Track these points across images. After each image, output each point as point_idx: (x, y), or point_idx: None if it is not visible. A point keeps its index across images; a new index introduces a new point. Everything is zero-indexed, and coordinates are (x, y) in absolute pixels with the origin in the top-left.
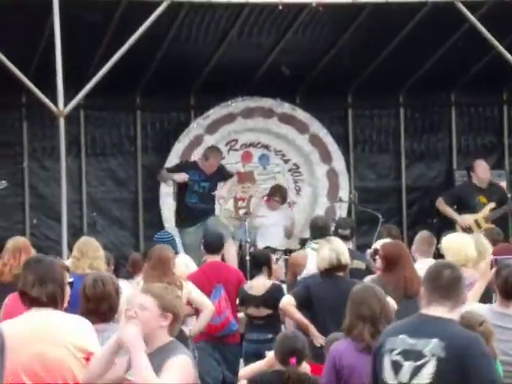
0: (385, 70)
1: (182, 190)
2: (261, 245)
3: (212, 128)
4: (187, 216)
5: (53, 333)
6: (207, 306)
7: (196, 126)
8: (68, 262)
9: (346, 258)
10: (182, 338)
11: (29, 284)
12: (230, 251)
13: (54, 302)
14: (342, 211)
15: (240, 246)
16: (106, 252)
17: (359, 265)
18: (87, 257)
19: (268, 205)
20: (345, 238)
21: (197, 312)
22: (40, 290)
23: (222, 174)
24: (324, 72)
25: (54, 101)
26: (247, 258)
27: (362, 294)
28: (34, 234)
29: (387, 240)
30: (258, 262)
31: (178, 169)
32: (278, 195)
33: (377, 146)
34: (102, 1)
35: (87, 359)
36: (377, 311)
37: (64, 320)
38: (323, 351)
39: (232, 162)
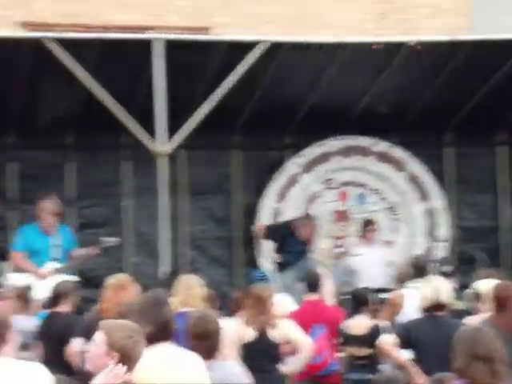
0: (483, 107)
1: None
2: (359, 284)
3: (308, 167)
4: (284, 263)
5: (186, 367)
6: (306, 345)
7: (292, 165)
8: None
9: (447, 296)
10: (278, 377)
11: (172, 318)
12: (328, 290)
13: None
14: (440, 251)
15: (337, 286)
16: (211, 289)
17: (460, 305)
18: (189, 294)
19: (364, 240)
20: (447, 276)
21: (295, 351)
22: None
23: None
24: (421, 110)
25: (154, 140)
26: (346, 297)
27: (475, 334)
28: (133, 271)
29: (487, 280)
30: (359, 302)
31: (273, 232)
32: (370, 225)
33: (476, 184)
34: (203, 41)
35: None
36: (493, 351)
37: (190, 355)
38: None
39: (328, 200)
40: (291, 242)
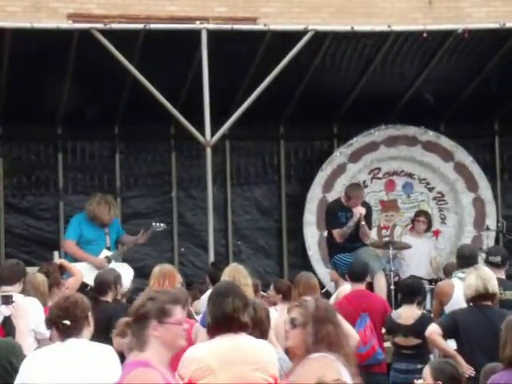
0: None
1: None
2: (405, 274)
3: (355, 156)
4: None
5: (253, 357)
6: (352, 335)
7: (339, 155)
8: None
9: (493, 286)
10: None
11: (239, 309)
12: (381, 283)
13: (249, 327)
14: (489, 240)
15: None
16: (254, 279)
17: (508, 296)
18: (238, 283)
19: (413, 231)
20: (496, 266)
21: None
22: (247, 315)
23: (368, 212)
24: (469, 99)
25: (201, 131)
26: (392, 287)
27: None
28: (181, 261)
29: None
30: (412, 292)
31: (333, 216)
32: (422, 216)
33: None
34: (248, 32)
35: None
36: None
37: (260, 345)
38: (472, 382)
39: (375, 190)
40: (342, 217)
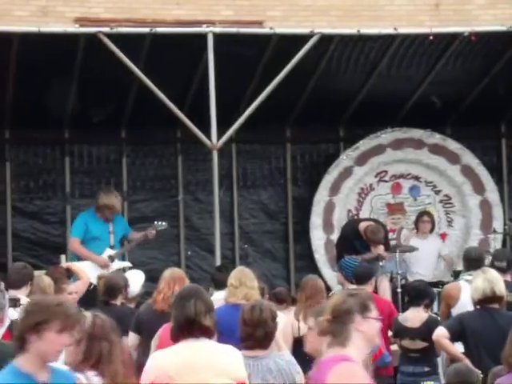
0: None
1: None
2: (412, 277)
3: (361, 159)
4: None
5: (215, 363)
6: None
7: (345, 158)
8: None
9: (501, 288)
10: None
11: (202, 313)
12: (384, 285)
13: (212, 332)
14: (496, 243)
15: (391, 279)
16: (260, 282)
17: None
18: (245, 286)
19: (418, 232)
20: (501, 271)
21: None
22: (210, 319)
23: (385, 235)
24: (476, 102)
25: (208, 135)
26: (398, 290)
27: None
28: (188, 265)
29: None
30: (418, 294)
31: (348, 244)
32: (426, 216)
33: None
34: (254, 35)
35: None
36: None
37: (222, 350)
38: None
39: (382, 193)
40: (357, 245)
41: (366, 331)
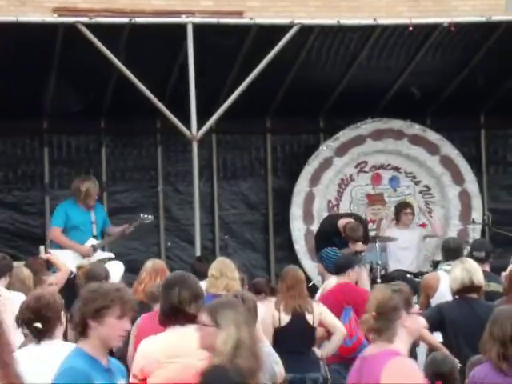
0: None
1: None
2: (392, 267)
3: (341, 150)
4: None
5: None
6: (339, 329)
7: (325, 149)
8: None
9: (479, 278)
10: (313, 359)
11: (186, 301)
12: (363, 275)
13: (196, 319)
14: (475, 233)
15: (371, 269)
16: (240, 273)
17: (496, 288)
18: (225, 277)
19: (398, 223)
20: (480, 261)
21: (328, 334)
22: (195, 307)
23: (364, 227)
24: (455, 92)
25: (188, 125)
26: (378, 280)
27: (498, 314)
28: (168, 256)
29: None
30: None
31: (326, 241)
32: (409, 208)
33: (511, 166)
34: (234, 26)
35: None
36: (507, 332)
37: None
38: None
39: (362, 184)
40: (336, 241)
41: (410, 326)
